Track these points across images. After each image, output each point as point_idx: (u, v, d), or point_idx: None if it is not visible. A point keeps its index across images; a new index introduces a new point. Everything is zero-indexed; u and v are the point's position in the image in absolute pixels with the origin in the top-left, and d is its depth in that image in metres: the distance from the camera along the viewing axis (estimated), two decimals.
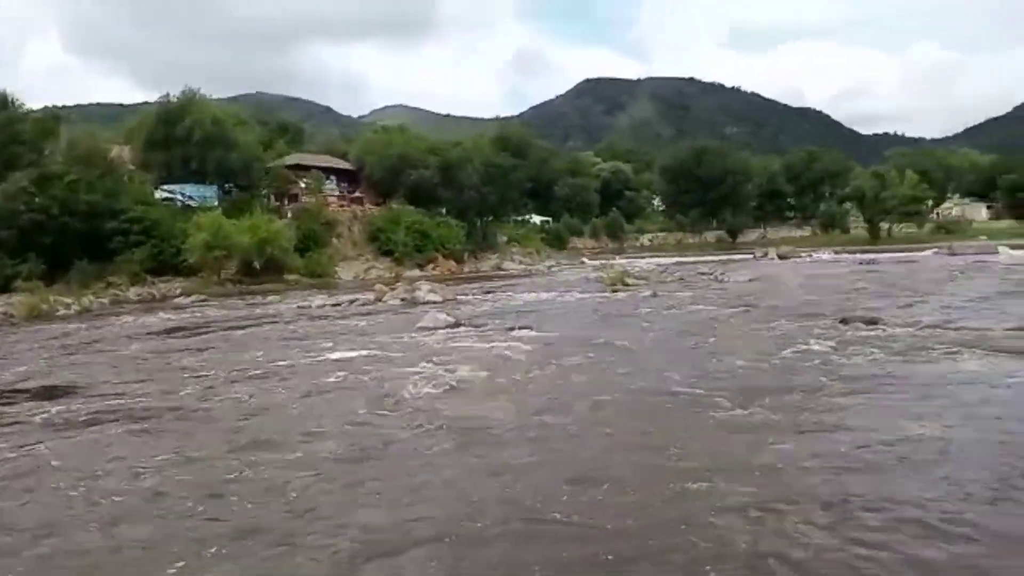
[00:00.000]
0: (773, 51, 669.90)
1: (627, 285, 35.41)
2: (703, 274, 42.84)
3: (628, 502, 7.45)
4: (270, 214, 50.63)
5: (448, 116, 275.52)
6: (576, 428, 10.31)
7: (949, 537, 6.32)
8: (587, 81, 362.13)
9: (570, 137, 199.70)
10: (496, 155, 67.09)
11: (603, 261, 60.66)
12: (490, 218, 69.35)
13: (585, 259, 67.20)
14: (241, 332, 23.48)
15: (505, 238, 70.11)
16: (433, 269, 54.12)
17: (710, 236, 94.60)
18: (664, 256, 67.60)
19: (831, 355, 15.18)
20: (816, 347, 16.17)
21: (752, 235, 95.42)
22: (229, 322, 26.80)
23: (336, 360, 16.82)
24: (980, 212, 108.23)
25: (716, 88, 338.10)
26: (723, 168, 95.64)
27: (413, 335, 20.44)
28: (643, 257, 66.54)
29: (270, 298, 36.81)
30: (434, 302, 29.91)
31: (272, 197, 58.54)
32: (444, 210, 62.91)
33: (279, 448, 9.81)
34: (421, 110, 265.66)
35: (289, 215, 54.49)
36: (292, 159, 65.08)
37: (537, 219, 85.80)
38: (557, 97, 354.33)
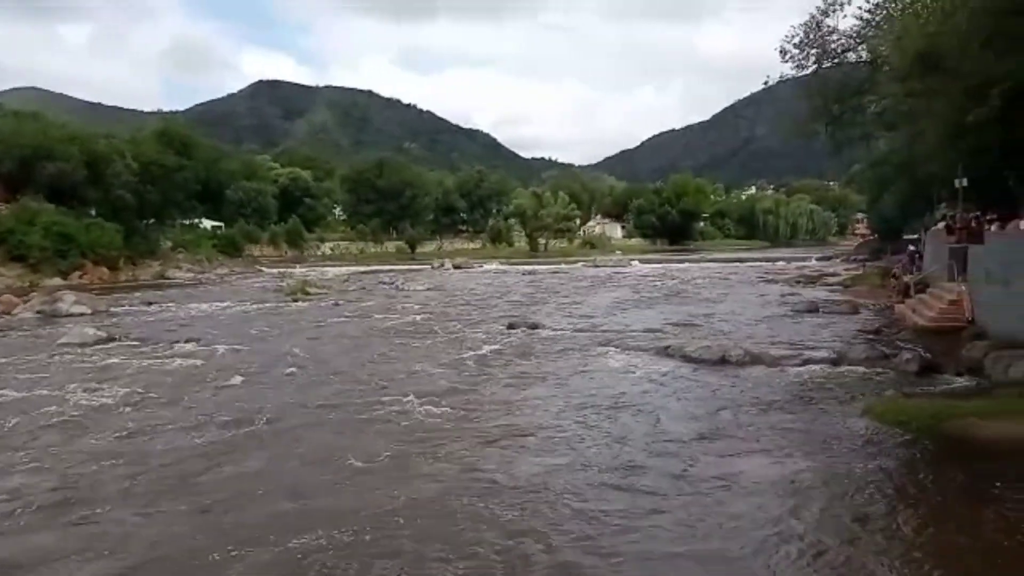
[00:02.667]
0: (444, 73, 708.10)
1: (308, 294, 34.62)
2: (384, 283, 43.69)
3: (317, 508, 7.37)
4: None
5: (98, 105, 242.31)
6: (236, 450, 9.81)
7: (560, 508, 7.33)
8: (263, 83, 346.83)
9: (244, 139, 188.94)
10: (158, 152, 60.74)
11: (283, 270, 58.49)
12: (152, 221, 62.55)
13: (263, 267, 64.19)
14: None
15: (170, 244, 63.81)
16: (81, 277, 47.06)
17: (391, 246, 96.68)
18: (346, 265, 67.44)
19: (497, 356, 16.56)
20: (487, 350, 17.50)
21: (430, 246, 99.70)
22: None
23: None
24: (617, 231, 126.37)
25: (394, 103, 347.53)
26: (402, 181, 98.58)
27: (54, 354, 17.63)
28: (325, 266, 65.65)
29: None
30: (81, 315, 26.14)
31: None
32: (94, 211, 55.06)
33: None
34: (63, 96, 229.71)
35: None
36: None
37: (208, 224, 79.64)
38: (230, 96, 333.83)
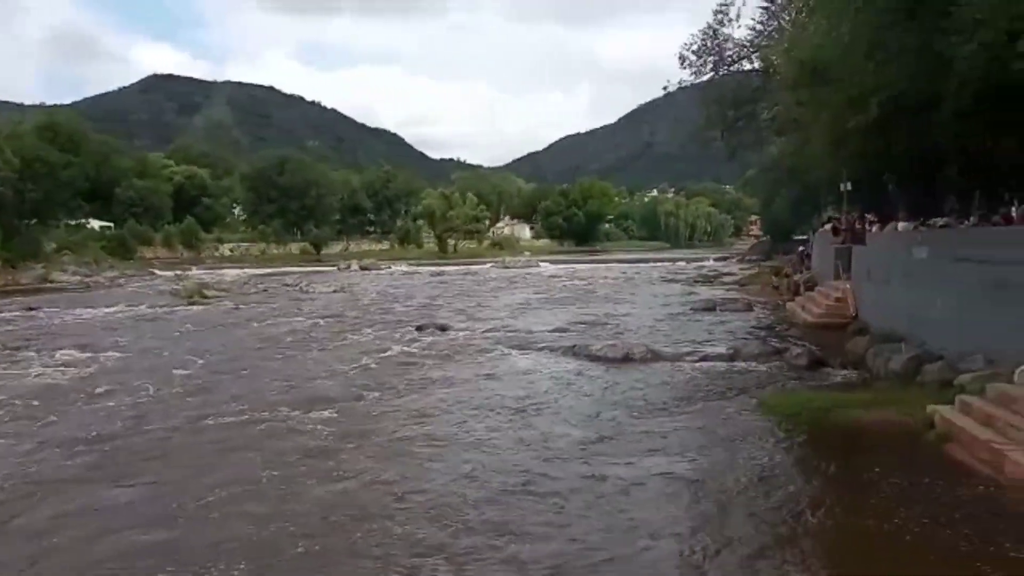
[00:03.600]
0: (348, 70, 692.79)
1: (205, 297, 33.23)
2: (288, 286, 42.43)
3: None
4: None
5: None
6: (119, 466, 9.16)
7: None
8: (156, 76, 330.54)
9: (137, 135, 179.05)
10: (40, 147, 56.78)
11: (178, 272, 55.82)
12: (34, 221, 58.43)
13: (156, 270, 61.02)
14: None
15: (55, 245, 59.80)
16: None
17: (295, 248, 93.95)
18: (247, 267, 65.07)
19: (405, 360, 16.35)
20: (394, 353, 17.25)
21: (336, 248, 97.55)
22: None
23: None
24: (525, 231, 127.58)
25: (297, 100, 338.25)
26: (306, 179, 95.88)
27: None
28: (224, 268, 63.07)
29: None
30: None
31: None
32: None
33: None
34: None
35: None
36: None
37: (96, 224, 75.11)
38: (120, 90, 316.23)
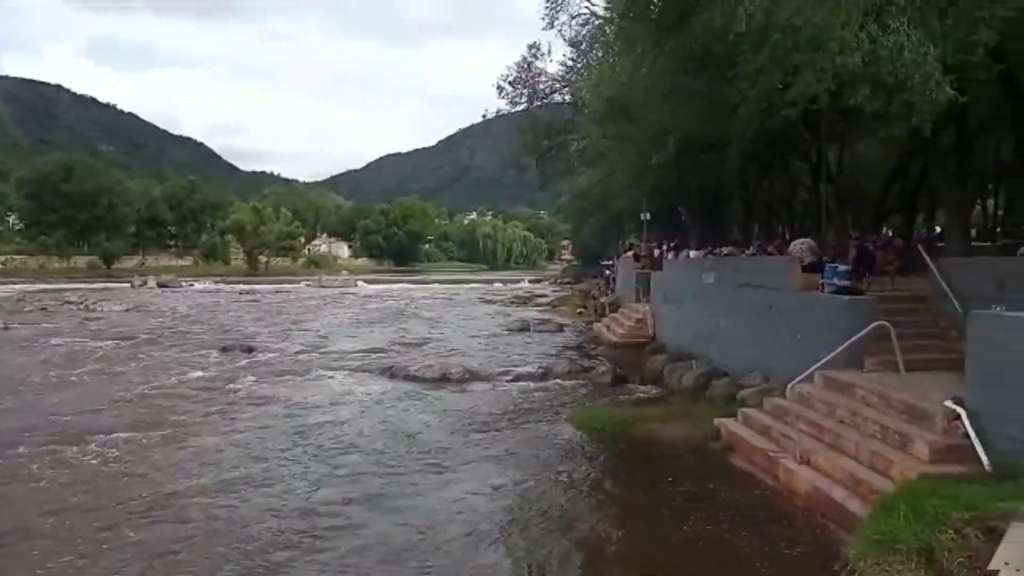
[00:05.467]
0: (148, 72, 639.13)
1: None
2: (72, 303, 38.12)
3: None
4: None
5: None
6: None
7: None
8: None
9: None
10: None
11: None
12: None
13: None
14: None
15: None
16: None
17: (81, 261, 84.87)
18: (22, 282, 57.90)
19: (204, 385, 15.26)
20: (192, 378, 16.05)
21: (130, 262, 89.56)
22: None
23: None
24: (343, 250, 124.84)
25: (88, 101, 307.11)
26: (97, 187, 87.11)
27: None
28: None
29: None
30: None
31: None
32: None
33: None
34: None
35: None
36: None
37: None
38: None
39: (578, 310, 33.52)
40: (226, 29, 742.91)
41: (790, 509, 7.58)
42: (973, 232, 17.89)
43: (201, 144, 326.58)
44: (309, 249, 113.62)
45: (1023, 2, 7.63)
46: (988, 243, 20.46)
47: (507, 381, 15.57)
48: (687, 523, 7.31)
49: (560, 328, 26.51)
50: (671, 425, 11.13)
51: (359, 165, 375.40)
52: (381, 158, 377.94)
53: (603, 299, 31.33)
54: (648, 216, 28.79)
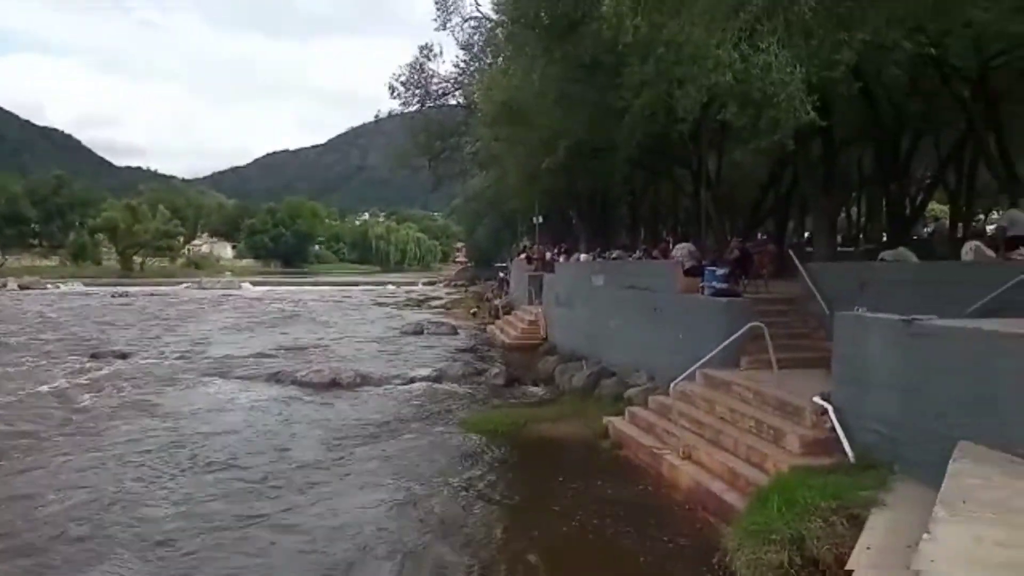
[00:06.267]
0: (6, 58, 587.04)
1: None
2: None
3: None
4: None
5: None
6: None
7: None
8: None
9: None
10: None
11: None
12: None
13: None
14: None
15: None
16: None
17: None
18: None
19: (76, 393, 14.27)
20: (59, 385, 14.98)
21: None
22: None
23: None
24: (227, 251, 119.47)
25: None
26: None
27: None
28: None
29: None
30: None
31: None
32: None
33: None
34: None
35: None
36: None
37: None
38: None
39: (472, 312, 33.59)
40: (95, 13, 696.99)
41: (673, 503, 7.89)
42: (839, 238, 19.23)
43: (69, 136, 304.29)
44: (189, 249, 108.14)
45: (880, 23, 8.27)
46: (852, 248, 22.08)
47: (400, 385, 15.38)
48: (574, 520, 7.47)
49: (454, 331, 26.46)
50: (562, 425, 11.34)
51: (244, 162, 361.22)
52: (268, 155, 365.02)
53: (497, 301, 31.56)
54: (540, 219, 29.23)
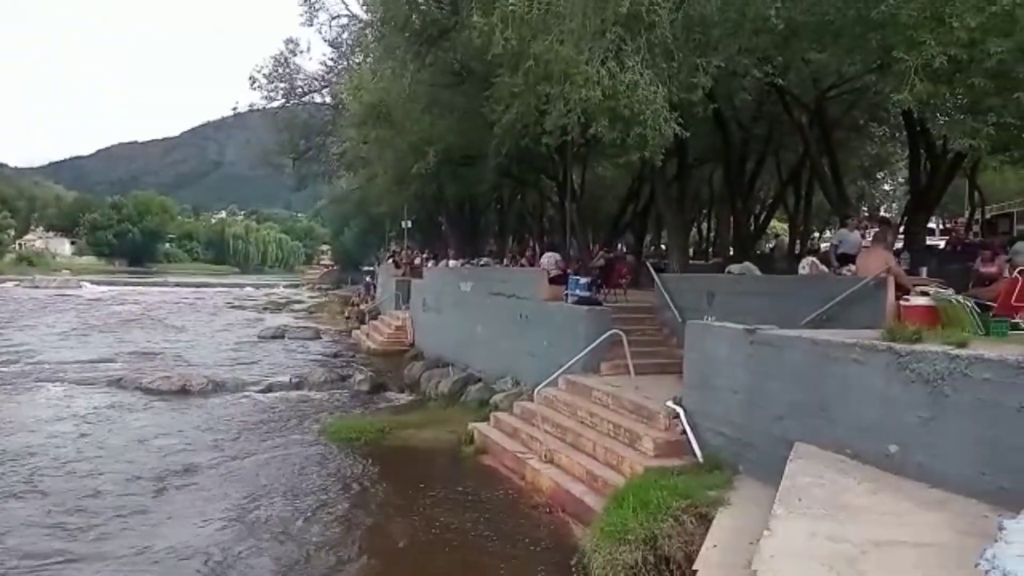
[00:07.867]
0: None
1: None
2: None
3: None
4: None
5: None
6: None
7: None
8: None
9: None
10: None
11: None
12: None
13: None
14: None
15: None
16: None
17: None
18: None
19: None
20: None
21: None
22: None
23: None
24: (65, 247, 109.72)
25: None
26: None
27: None
28: None
29: None
30: None
31: None
32: None
33: None
34: None
35: None
36: None
37: None
38: None
39: (337, 316, 32.75)
40: None
41: (535, 507, 8.03)
42: (691, 251, 20.37)
43: None
44: (21, 244, 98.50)
45: (733, 51, 8.87)
46: (703, 261, 23.46)
47: (257, 392, 14.74)
48: (435, 526, 7.45)
49: (318, 335, 25.69)
50: (426, 431, 11.27)
51: (86, 151, 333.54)
52: (113, 146, 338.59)
53: (363, 306, 30.97)
54: (409, 224, 28.96)
